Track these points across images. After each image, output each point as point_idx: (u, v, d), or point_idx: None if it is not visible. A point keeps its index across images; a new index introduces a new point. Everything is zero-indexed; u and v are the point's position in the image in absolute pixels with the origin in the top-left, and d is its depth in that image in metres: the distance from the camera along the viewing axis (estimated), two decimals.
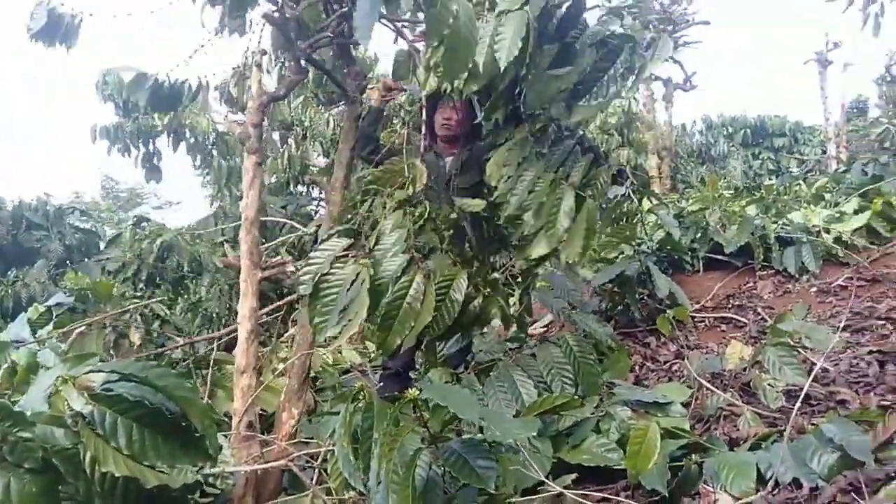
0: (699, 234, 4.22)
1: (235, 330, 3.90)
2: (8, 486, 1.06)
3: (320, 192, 7.45)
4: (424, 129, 3.22)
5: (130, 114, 6.02)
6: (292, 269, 2.84)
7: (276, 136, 6.65)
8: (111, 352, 3.03)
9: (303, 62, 2.81)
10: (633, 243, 4.24)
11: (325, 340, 4.33)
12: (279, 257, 2.75)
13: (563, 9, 2.32)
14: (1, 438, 1.08)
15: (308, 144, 6.44)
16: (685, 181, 9.61)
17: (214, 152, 6.54)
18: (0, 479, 1.06)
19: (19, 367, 2.22)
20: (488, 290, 2.51)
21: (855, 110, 14.78)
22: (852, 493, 1.60)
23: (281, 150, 6.54)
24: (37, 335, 2.48)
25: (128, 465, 1.14)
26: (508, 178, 2.64)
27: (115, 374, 1.13)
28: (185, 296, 5.77)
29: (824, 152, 10.20)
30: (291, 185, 7.03)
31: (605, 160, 2.67)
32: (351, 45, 2.97)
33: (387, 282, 2.18)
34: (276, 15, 2.79)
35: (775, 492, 1.69)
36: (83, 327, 2.69)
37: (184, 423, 1.18)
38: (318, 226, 5.87)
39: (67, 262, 5.05)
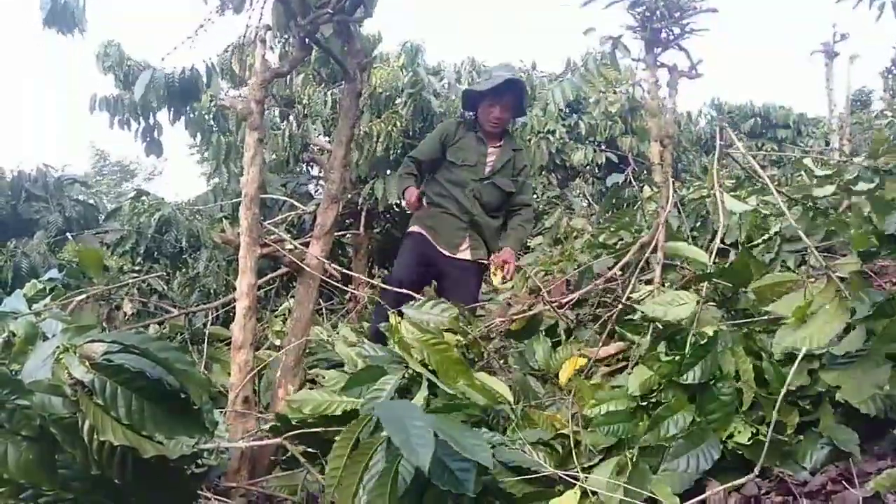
0: (698, 223, 4.21)
1: (231, 302, 3.93)
2: (5, 453, 1.07)
3: (320, 171, 7.43)
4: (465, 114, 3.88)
5: (131, 86, 5.96)
6: (291, 246, 2.85)
7: (276, 112, 6.61)
8: (104, 324, 3.04)
9: (306, 40, 2.79)
10: (633, 230, 4.25)
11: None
12: (278, 235, 2.75)
13: None
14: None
15: (308, 122, 6.40)
16: (687, 170, 9.57)
17: (214, 128, 6.50)
18: None
19: (17, 339, 2.22)
20: None
21: (858, 103, 14.72)
22: (843, 483, 1.62)
23: (281, 127, 6.51)
24: (33, 308, 2.47)
25: (126, 434, 1.15)
26: None
27: (117, 345, 1.13)
28: (184, 270, 5.77)
29: (827, 144, 10.16)
30: (291, 163, 7.00)
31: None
32: (352, 23, 2.94)
33: None
34: None
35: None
36: (81, 299, 2.69)
37: (182, 397, 1.19)
38: (318, 205, 5.87)
39: (67, 233, 5.04)
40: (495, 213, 3.70)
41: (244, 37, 5.19)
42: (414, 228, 3.73)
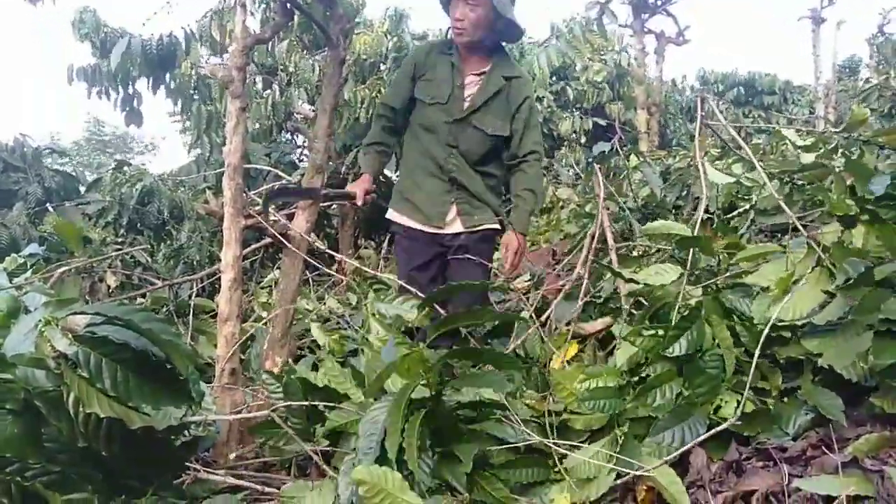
0: (684, 192, 4.23)
1: (216, 273, 3.90)
2: None
3: (304, 140, 7.35)
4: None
5: (108, 54, 5.83)
6: (275, 218, 2.82)
7: (258, 81, 6.50)
8: (87, 297, 3.01)
9: (288, 4, 2.73)
10: (618, 200, 4.25)
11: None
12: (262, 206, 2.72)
13: None
14: None
15: (292, 90, 6.31)
16: (674, 138, 9.58)
17: (195, 96, 6.39)
18: None
19: (0, 313, 2.20)
20: None
21: (847, 70, 14.74)
22: (822, 448, 1.66)
23: (264, 96, 6.41)
24: (14, 282, 2.44)
25: (112, 406, 1.15)
26: None
27: (100, 317, 1.12)
28: (168, 242, 5.72)
29: (812, 112, 10.21)
30: (275, 133, 6.92)
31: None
32: None
33: None
34: None
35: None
36: (63, 271, 2.66)
37: (168, 367, 1.19)
38: (303, 174, 5.82)
39: (47, 204, 4.96)
40: (482, 166, 2.74)
41: (223, 1, 5.09)
42: (391, 216, 2.89)
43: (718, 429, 1.67)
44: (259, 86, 6.61)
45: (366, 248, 6.82)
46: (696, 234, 2.18)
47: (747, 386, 1.70)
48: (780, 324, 1.89)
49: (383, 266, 5.78)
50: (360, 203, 2.85)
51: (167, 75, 5.18)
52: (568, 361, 2.14)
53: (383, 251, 6.46)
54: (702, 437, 1.70)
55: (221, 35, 4.62)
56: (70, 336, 1.12)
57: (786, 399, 1.82)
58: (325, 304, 4.47)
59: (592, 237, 2.76)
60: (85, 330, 1.12)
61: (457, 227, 2.74)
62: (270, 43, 5.70)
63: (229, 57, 2.67)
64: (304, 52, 6.33)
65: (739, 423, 1.71)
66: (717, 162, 4.66)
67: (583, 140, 8.82)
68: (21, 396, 1.11)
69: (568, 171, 8.31)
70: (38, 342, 1.16)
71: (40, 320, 1.16)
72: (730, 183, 2.82)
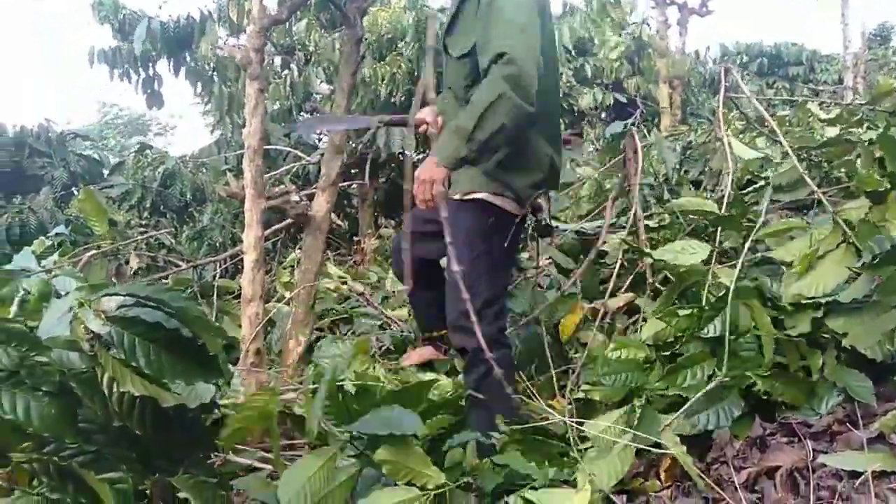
0: (706, 168, 4.17)
1: (238, 254, 3.95)
2: (28, 409, 1.10)
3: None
4: None
5: (128, 37, 5.86)
6: (296, 198, 2.84)
7: (277, 61, 6.49)
8: (113, 279, 3.07)
9: None
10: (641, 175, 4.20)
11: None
12: (283, 186, 2.74)
13: None
14: (20, 363, 1.11)
15: (311, 70, 6.29)
16: (695, 114, 9.41)
17: (215, 78, 6.40)
18: (20, 401, 1.10)
19: (31, 296, 2.25)
20: None
21: (878, 38, 14.29)
22: (847, 424, 1.65)
23: (282, 76, 6.40)
24: (43, 265, 2.50)
25: (145, 385, 1.18)
26: None
27: (131, 298, 1.15)
28: (191, 223, 5.79)
29: (841, 81, 9.95)
30: (294, 113, 6.92)
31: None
32: None
33: None
34: None
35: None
36: (91, 254, 2.72)
37: (198, 345, 1.21)
38: (322, 154, 5.83)
39: (73, 188, 5.04)
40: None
41: None
42: None
43: None
44: (277, 66, 6.60)
45: (386, 227, 6.83)
46: (722, 210, 2.16)
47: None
48: (803, 301, 1.88)
49: None
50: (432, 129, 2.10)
51: (187, 57, 5.19)
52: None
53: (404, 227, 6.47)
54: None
55: (239, 15, 4.61)
56: (103, 317, 1.15)
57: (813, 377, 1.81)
58: (346, 282, 4.51)
59: (614, 201, 2.71)
60: (117, 311, 1.15)
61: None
62: (288, 22, 5.67)
63: (247, 38, 2.67)
64: (323, 30, 6.29)
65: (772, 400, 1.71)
66: (740, 135, 4.58)
67: (603, 115, 8.71)
68: (56, 378, 1.14)
69: (588, 147, 8.23)
70: (73, 324, 1.19)
71: (74, 303, 1.19)
72: (751, 158, 2.76)
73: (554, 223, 2.76)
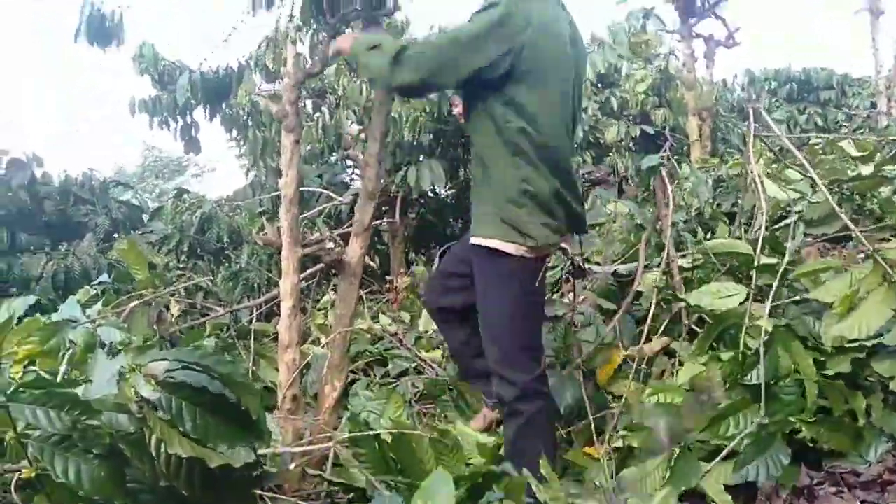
0: (738, 200, 4.13)
1: (274, 298, 4.01)
2: (79, 472, 1.14)
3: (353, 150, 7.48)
4: None
5: (167, 86, 6.08)
6: (331, 245, 2.89)
7: (309, 104, 6.66)
8: (154, 326, 3.14)
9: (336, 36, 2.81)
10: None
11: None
12: (318, 234, 2.80)
13: None
14: (72, 427, 1.16)
15: (341, 112, 6.44)
16: (726, 139, 9.34)
17: (249, 122, 6.60)
18: (72, 465, 1.14)
19: (78, 347, 2.33)
20: None
21: None
22: None
23: (314, 118, 6.57)
24: (87, 314, 2.58)
25: (192, 446, 1.22)
26: None
27: (178, 363, 1.20)
28: (227, 265, 5.91)
29: (874, 106, 9.80)
30: (326, 153, 7.08)
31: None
32: (381, 17, 2.95)
33: None
34: None
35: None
36: (134, 305, 2.80)
37: (241, 409, 1.25)
38: (354, 195, 5.93)
39: (114, 234, 5.20)
40: (474, 145, 2.17)
41: (276, 31, 5.25)
42: None
43: None
44: (309, 109, 6.77)
45: (417, 264, 6.88)
46: (757, 251, 2.14)
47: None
48: (847, 345, 1.84)
49: None
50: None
51: (223, 105, 5.37)
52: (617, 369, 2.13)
53: (435, 265, 6.50)
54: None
55: (276, 63, 4.78)
56: (153, 382, 1.19)
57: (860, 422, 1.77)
58: (378, 322, 4.55)
59: (647, 242, 2.70)
60: (165, 375, 1.19)
61: (476, 236, 2.09)
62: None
63: (283, 91, 2.77)
64: (352, 74, 6.46)
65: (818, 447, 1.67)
66: (773, 164, 4.54)
67: (631, 146, 8.68)
68: (106, 441, 1.18)
69: (615, 178, 8.21)
70: (122, 387, 1.23)
71: (123, 367, 1.24)
72: (783, 197, 2.73)
73: (588, 265, 2.77)
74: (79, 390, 1.48)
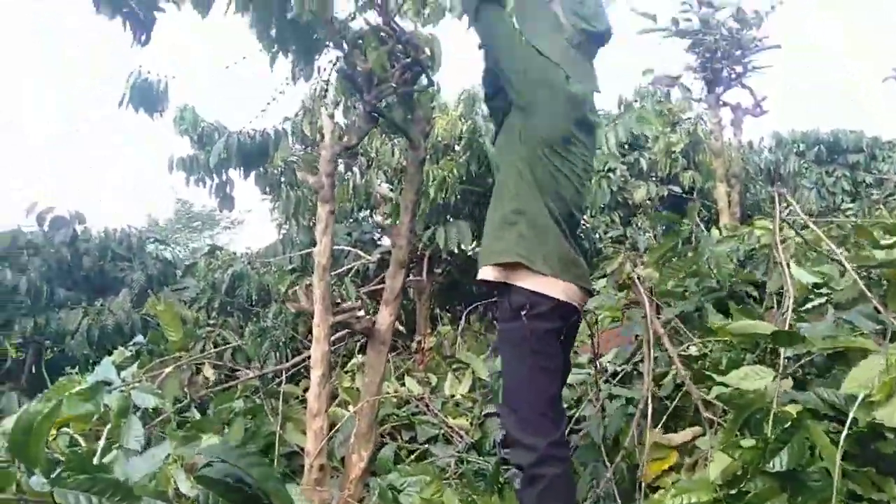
0: (766, 270, 4.09)
1: (303, 361, 4.05)
2: None
3: (384, 219, 7.62)
4: None
5: (205, 147, 6.31)
6: (362, 312, 2.93)
7: (340, 165, 6.85)
8: (185, 389, 3.19)
9: (372, 112, 2.92)
10: (697, 280, 4.14)
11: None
12: (346, 293, 2.85)
13: None
14: None
15: (372, 173, 6.60)
16: (754, 201, 9.31)
17: (283, 180, 6.78)
18: None
19: (112, 412, 2.38)
20: None
21: None
22: None
23: (346, 178, 6.73)
24: (122, 376, 2.65)
25: None
26: None
27: (216, 458, 1.22)
28: (256, 321, 5.98)
29: None
30: (356, 211, 7.22)
31: None
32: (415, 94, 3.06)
33: None
34: (346, 67, 2.93)
35: None
36: (168, 372, 2.85)
37: None
38: (382, 254, 6.01)
39: (148, 290, 5.32)
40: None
41: (314, 100, 5.46)
42: None
43: None
44: (341, 169, 6.95)
45: (444, 323, 6.88)
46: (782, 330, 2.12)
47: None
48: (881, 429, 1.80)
49: (460, 343, 5.81)
50: None
51: (259, 167, 5.55)
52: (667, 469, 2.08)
53: (460, 326, 6.49)
54: None
55: (312, 131, 4.95)
56: (192, 479, 1.22)
57: None
58: (403, 385, 4.53)
59: (648, 343, 2.68)
60: (203, 469, 1.22)
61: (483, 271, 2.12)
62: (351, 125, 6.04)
63: (319, 163, 2.87)
64: (383, 136, 6.64)
65: None
66: (799, 239, 4.50)
67: (659, 207, 8.71)
68: None
69: (644, 235, 8.20)
70: (160, 476, 1.26)
71: (167, 457, 1.27)
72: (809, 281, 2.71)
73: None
74: (115, 463, 1.52)
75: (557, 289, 1.96)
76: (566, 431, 2.07)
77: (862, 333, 2.27)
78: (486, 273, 2.05)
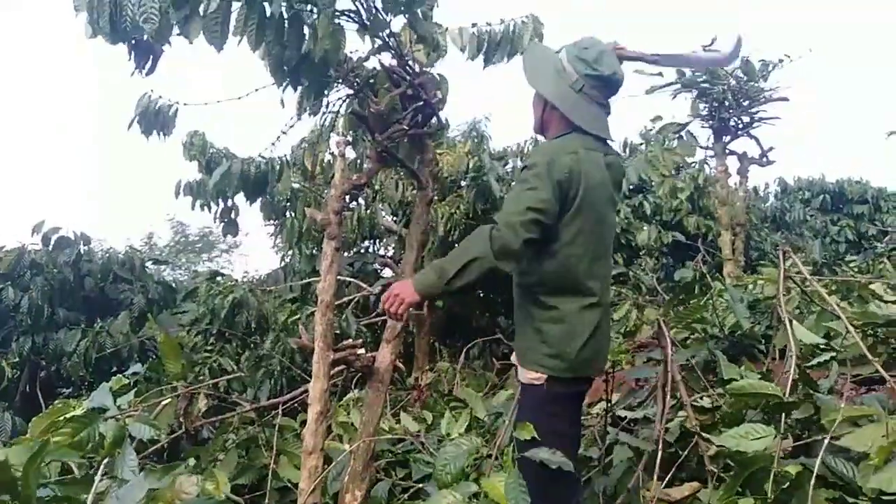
0: (772, 322, 4.07)
1: (301, 394, 4.02)
2: None
3: (387, 249, 7.64)
4: None
5: (212, 172, 6.34)
6: (362, 351, 2.92)
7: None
8: (180, 418, 3.15)
9: (382, 152, 2.94)
10: (702, 328, 4.13)
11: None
12: (350, 339, 2.84)
13: None
14: None
15: (376, 206, 6.64)
16: (758, 248, 9.32)
17: (287, 207, 6.81)
18: None
19: (107, 441, 2.35)
20: None
21: None
22: None
23: (351, 209, 6.76)
24: (118, 403, 2.63)
25: None
26: None
27: None
28: (253, 348, 5.94)
29: None
30: (359, 241, 7.23)
31: None
32: (427, 136, 3.09)
33: None
34: (358, 107, 2.96)
35: None
36: (165, 403, 2.83)
37: None
38: (383, 286, 6.00)
39: (147, 313, 5.31)
40: (516, 278, 2.21)
41: (318, 136, 5.51)
42: None
43: None
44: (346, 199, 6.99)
45: (443, 358, 6.83)
46: (787, 394, 2.10)
47: None
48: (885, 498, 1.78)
49: (459, 380, 5.76)
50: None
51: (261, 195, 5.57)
52: None
53: (460, 362, 6.44)
54: None
55: (312, 165, 4.99)
56: None
57: None
58: (399, 422, 4.47)
59: (663, 388, 2.66)
60: None
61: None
62: (356, 163, 6.08)
63: (328, 201, 2.88)
64: (387, 170, 6.69)
65: None
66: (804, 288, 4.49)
67: (662, 249, 8.72)
68: None
69: (650, 276, 8.18)
70: None
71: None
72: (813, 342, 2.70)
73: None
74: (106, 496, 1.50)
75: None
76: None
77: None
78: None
